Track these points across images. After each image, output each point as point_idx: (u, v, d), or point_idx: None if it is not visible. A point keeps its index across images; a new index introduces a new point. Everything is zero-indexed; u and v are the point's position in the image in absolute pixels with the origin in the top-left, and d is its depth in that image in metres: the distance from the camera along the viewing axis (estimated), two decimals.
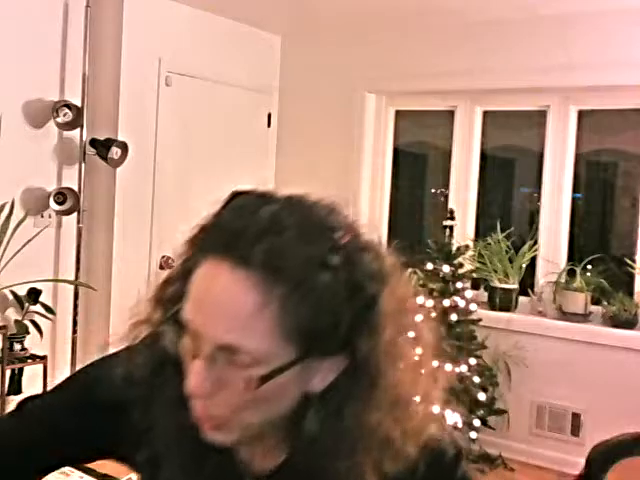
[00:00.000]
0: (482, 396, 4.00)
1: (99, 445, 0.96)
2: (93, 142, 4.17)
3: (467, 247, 4.31)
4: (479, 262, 4.50)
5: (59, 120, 4.04)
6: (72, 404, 0.96)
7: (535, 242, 4.49)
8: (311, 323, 0.76)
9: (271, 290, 0.75)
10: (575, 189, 4.53)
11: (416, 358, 0.85)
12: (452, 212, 4.29)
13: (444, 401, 0.88)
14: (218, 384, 0.78)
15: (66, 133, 4.18)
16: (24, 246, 3.82)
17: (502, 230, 4.51)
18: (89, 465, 1.94)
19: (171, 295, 0.84)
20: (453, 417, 3.91)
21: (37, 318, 4.04)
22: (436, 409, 0.87)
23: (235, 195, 0.83)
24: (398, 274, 0.84)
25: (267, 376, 0.76)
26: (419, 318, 0.86)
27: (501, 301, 4.41)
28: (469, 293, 4.16)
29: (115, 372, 0.89)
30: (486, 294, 4.53)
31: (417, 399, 0.84)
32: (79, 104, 4.13)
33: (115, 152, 4.12)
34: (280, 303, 0.75)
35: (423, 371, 0.85)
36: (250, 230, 0.77)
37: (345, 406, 0.79)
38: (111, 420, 0.92)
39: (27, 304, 3.99)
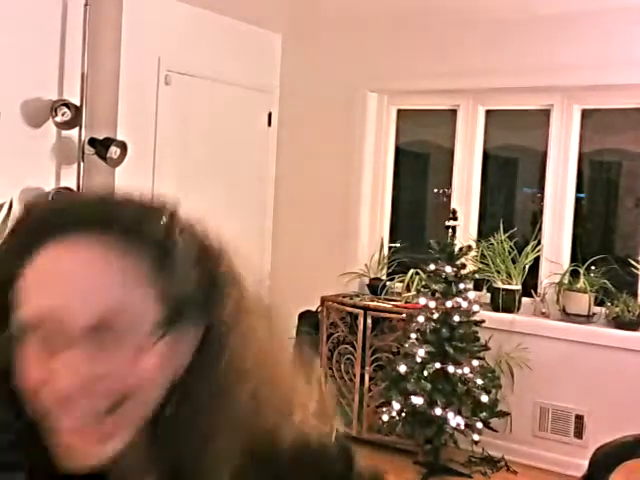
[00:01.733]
0: (485, 398, 3.96)
1: None
2: (92, 141, 4.14)
3: (470, 248, 4.27)
4: (482, 263, 4.47)
5: (58, 119, 4.01)
6: None
7: (538, 242, 4.46)
8: (178, 285, 0.74)
9: (138, 254, 0.73)
10: (578, 189, 4.50)
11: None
12: (454, 212, 4.25)
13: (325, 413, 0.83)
14: (96, 374, 0.69)
15: (65, 132, 4.15)
16: None
17: (505, 230, 4.48)
18: None
19: None
20: (456, 419, 3.89)
21: None
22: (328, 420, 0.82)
23: (28, 207, 0.78)
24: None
25: (159, 335, 0.71)
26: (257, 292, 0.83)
27: (504, 302, 4.38)
28: (472, 294, 4.13)
29: None
30: (489, 295, 4.50)
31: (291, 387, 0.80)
32: (78, 103, 4.09)
33: (114, 152, 4.09)
34: (149, 267, 0.73)
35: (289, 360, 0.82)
36: (101, 204, 0.76)
37: (202, 388, 0.74)
38: None
39: None
